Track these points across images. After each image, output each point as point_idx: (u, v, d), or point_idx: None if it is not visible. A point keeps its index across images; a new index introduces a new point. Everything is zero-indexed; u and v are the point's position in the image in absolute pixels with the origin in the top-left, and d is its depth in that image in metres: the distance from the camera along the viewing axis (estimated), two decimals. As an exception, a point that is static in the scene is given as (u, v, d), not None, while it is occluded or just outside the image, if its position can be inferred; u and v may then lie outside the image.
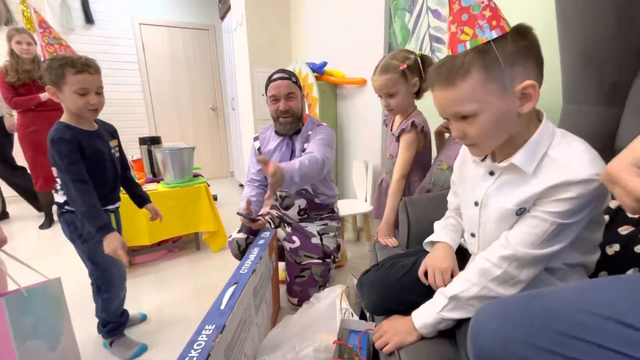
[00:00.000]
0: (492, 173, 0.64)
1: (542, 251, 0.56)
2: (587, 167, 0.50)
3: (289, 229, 1.47)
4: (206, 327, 0.70)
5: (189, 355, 0.62)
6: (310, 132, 1.43)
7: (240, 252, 1.38)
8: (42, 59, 1.02)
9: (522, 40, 0.53)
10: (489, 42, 0.52)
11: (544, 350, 0.33)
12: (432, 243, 0.83)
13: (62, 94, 1.00)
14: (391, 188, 1.24)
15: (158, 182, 2.06)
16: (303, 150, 1.40)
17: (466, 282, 0.62)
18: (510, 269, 0.57)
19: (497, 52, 0.51)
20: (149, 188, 1.91)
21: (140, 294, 1.62)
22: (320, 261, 1.37)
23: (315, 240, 1.40)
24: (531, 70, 0.54)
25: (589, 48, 0.78)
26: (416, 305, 0.77)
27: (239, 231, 1.41)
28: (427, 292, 0.76)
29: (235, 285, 0.89)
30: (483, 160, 0.67)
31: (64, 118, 1.05)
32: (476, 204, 0.67)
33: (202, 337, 0.66)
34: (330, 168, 1.40)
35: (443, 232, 0.83)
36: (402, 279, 0.81)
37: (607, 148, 0.82)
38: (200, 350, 0.63)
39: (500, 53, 0.51)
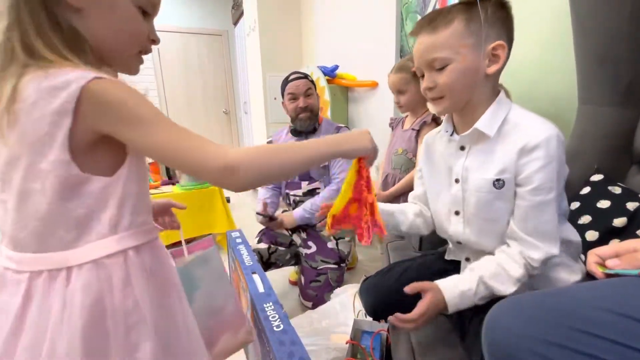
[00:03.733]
0: (462, 148, 0.67)
1: (557, 238, 0.59)
2: (546, 127, 0.57)
3: (304, 235, 1.48)
4: (265, 305, 0.69)
5: (273, 324, 0.62)
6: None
7: (264, 262, 1.36)
8: None
9: (502, 10, 0.59)
10: None
11: (556, 346, 0.33)
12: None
13: None
14: (412, 174, 1.26)
15: (173, 184, 2.11)
16: None
17: (506, 284, 0.60)
18: (543, 265, 0.60)
19: (480, 9, 0.57)
20: (164, 190, 1.96)
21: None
22: (337, 266, 1.38)
23: (331, 244, 1.41)
24: (504, 38, 0.59)
25: (604, 48, 0.77)
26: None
27: (259, 241, 1.41)
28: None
29: (255, 274, 0.91)
30: (451, 135, 0.69)
31: None
32: (457, 180, 0.68)
33: (270, 312, 0.66)
34: None
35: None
36: (397, 282, 0.82)
37: (625, 148, 0.81)
38: (278, 318, 0.64)
39: (483, 11, 0.57)
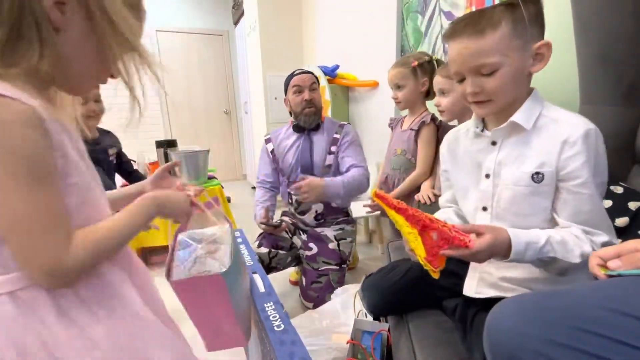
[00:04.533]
0: (494, 143, 0.66)
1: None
2: (585, 121, 0.58)
3: (304, 237, 1.47)
4: (265, 305, 0.70)
5: (274, 324, 0.63)
6: (336, 135, 1.43)
7: (265, 267, 1.34)
8: None
9: (537, 5, 0.58)
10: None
11: (559, 345, 0.33)
12: None
13: None
14: (413, 175, 1.27)
15: (174, 184, 2.11)
16: (330, 152, 1.42)
17: (571, 252, 0.57)
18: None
19: (523, 10, 0.55)
20: (165, 190, 1.96)
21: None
22: (338, 267, 1.38)
23: (333, 245, 1.41)
24: (542, 34, 0.59)
25: (606, 48, 0.77)
26: (414, 304, 0.79)
27: (259, 245, 1.38)
28: (425, 292, 0.77)
29: (256, 274, 0.91)
30: (482, 131, 0.68)
31: None
32: (487, 176, 0.67)
33: (270, 312, 0.67)
34: None
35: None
36: (400, 281, 0.82)
37: (626, 148, 0.80)
38: (279, 318, 0.65)
39: (525, 10, 0.55)
